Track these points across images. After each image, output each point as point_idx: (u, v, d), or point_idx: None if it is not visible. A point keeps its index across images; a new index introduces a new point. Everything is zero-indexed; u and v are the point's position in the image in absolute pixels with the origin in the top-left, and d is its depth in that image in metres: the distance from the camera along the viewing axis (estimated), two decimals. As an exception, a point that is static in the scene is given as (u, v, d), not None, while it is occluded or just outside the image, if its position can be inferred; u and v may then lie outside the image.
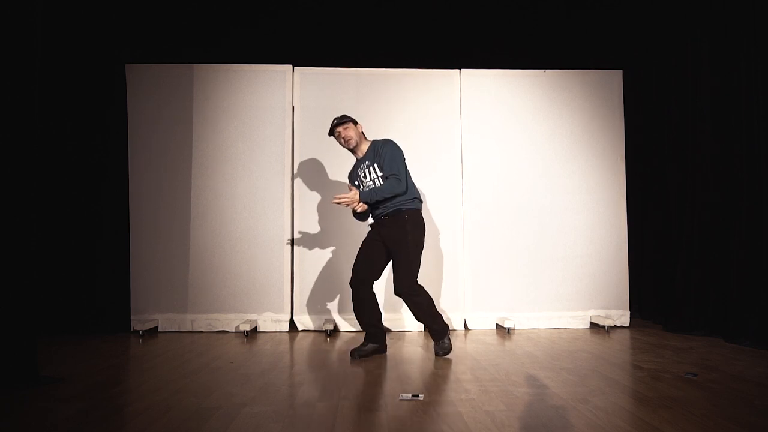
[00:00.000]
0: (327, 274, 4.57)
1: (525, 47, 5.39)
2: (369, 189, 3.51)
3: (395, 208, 3.51)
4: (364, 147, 3.63)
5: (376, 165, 3.55)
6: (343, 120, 3.59)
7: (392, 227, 3.51)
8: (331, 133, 3.63)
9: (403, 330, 4.53)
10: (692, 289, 4.33)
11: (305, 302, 4.56)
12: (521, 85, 4.78)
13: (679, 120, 4.55)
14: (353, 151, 3.65)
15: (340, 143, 3.64)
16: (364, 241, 3.66)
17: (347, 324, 4.52)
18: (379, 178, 3.52)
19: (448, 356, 3.52)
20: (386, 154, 3.52)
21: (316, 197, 4.60)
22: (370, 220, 3.68)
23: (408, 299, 3.51)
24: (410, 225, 3.51)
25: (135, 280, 4.49)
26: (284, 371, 3.17)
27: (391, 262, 3.61)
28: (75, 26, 4.41)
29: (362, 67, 4.72)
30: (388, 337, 4.13)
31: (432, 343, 3.66)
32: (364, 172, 3.59)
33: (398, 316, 4.51)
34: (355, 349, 3.57)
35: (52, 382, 2.87)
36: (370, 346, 3.57)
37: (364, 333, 3.64)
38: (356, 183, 3.64)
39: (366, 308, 3.60)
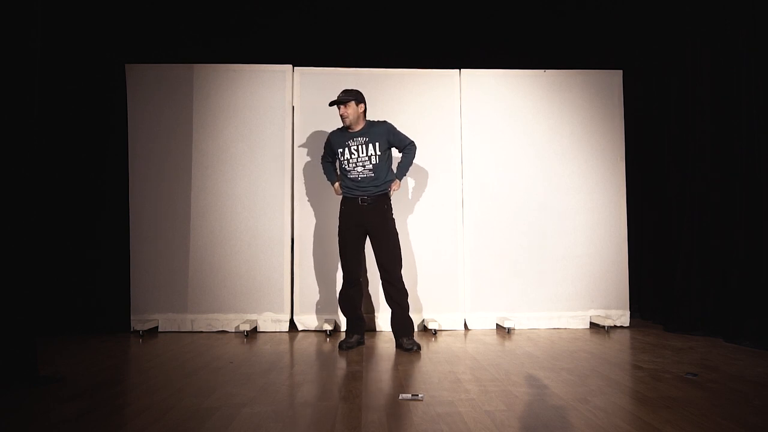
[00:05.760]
0: (327, 274, 4.57)
1: (525, 47, 5.39)
2: (401, 168, 3.87)
3: (381, 193, 3.78)
4: (360, 125, 3.82)
5: (378, 144, 3.76)
6: (345, 99, 3.76)
7: (377, 214, 3.77)
8: (333, 103, 3.81)
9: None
10: (692, 289, 4.32)
11: (305, 302, 4.56)
12: (521, 85, 4.78)
13: (679, 120, 4.55)
14: (346, 127, 3.84)
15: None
16: (345, 236, 3.84)
17: (347, 324, 4.51)
18: (377, 156, 3.75)
19: (446, 356, 3.52)
20: (395, 132, 3.84)
21: (316, 197, 4.60)
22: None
23: (397, 283, 3.78)
24: (390, 211, 3.85)
25: (135, 280, 4.49)
26: (284, 371, 3.17)
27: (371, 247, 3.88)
28: (75, 26, 4.41)
29: (362, 67, 4.72)
30: (385, 336, 4.26)
31: (419, 342, 3.85)
32: (359, 147, 3.77)
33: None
34: (342, 341, 3.86)
35: (52, 381, 2.87)
36: (356, 337, 3.89)
37: (347, 324, 3.94)
38: (341, 150, 3.81)
39: (355, 302, 3.94)
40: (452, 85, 4.73)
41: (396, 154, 3.98)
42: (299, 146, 4.64)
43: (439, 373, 3.08)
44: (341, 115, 3.78)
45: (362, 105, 3.79)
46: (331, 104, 3.80)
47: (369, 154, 3.76)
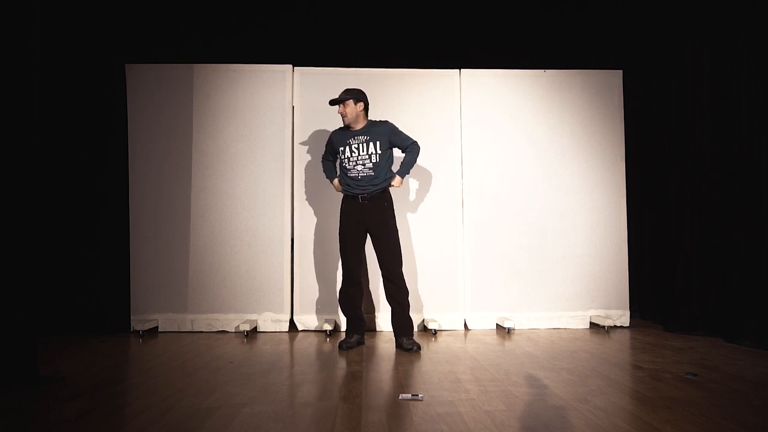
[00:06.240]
0: (327, 274, 4.57)
1: (525, 47, 5.38)
2: (404, 166, 3.85)
3: (379, 189, 3.77)
4: (361, 124, 3.83)
5: (378, 143, 3.76)
6: (343, 98, 3.77)
7: (378, 212, 3.78)
8: (332, 102, 3.82)
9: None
10: (692, 288, 4.32)
11: (305, 302, 4.56)
12: (521, 85, 4.78)
13: (679, 120, 4.55)
14: (347, 125, 3.84)
15: None
16: (346, 235, 3.85)
17: (347, 324, 4.51)
18: (377, 155, 3.75)
19: (446, 356, 3.52)
20: (397, 132, 3.84)
21: (316, 197, 4.60)
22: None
23: (398, 281, 3.78)
24: (391, 209, 3.84)
25: (135, 280, 4.49)
26: (284, 371, 3.17)
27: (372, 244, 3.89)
28: (75, 26, 4.41)
29: (362, 67, 4.72)
30: (385, 336, 4.26)
31: (419, 341, 3.86)
32: (359, 146, 3.78)
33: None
34: (342, 341, 3.86)
35: (52, 381, 2.87)
36: (356, 337, 3.89)
37: (347, 324, 3.94)
38: (342, 149, 3.81)
39: (355, 302, 3.93)
40: (452, 85, 4.73)
41: (398, 153, 3.98)
42: (299, 146, 4.64)
43: (439, 373, 3.08)
44: (340, 114, 3.79)
45: (362, 104, 3.78)
46: (331, 103, 3.81)
47: (369, 153, 3.76)
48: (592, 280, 4.68)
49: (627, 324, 4.65)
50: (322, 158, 4.08)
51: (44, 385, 2.80)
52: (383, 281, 3.85)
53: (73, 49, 4.41)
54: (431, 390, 2.71)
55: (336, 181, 3.94)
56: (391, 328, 3.97)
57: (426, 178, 4.65)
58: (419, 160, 4.46)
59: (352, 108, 3.76)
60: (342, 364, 3.38)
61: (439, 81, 4.73)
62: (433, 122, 4.68)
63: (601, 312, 4.66)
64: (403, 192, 4.56)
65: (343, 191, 3.88)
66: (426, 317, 4.55)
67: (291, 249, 4.59)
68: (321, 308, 4.56)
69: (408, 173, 3.92)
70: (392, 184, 3.82)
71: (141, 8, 4.81)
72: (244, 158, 4.60)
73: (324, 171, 4.09)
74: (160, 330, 4.49)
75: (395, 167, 3.94)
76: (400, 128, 3.89)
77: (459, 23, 5.40)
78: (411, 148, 3.87)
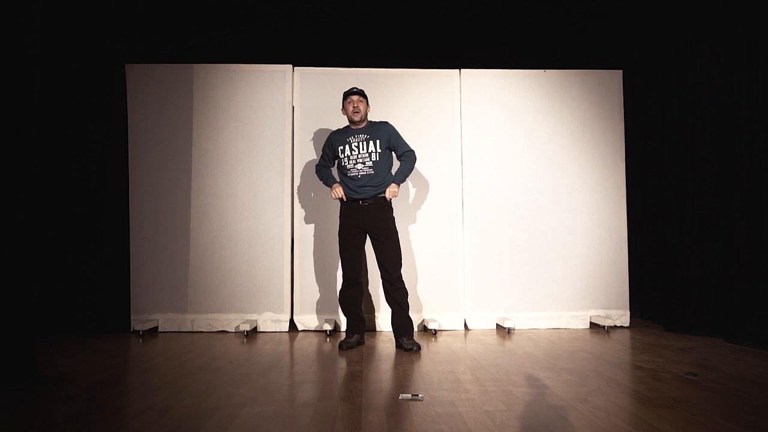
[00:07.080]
0: (327, 274, 4.57)
1: (525, 47, 5.39)
2: (399, 173, 3.83)
3: (378, 194, 3.77)
4: (363, 124, 3.87)
5: (378, 142, 3.78)
6: (363, 93, 3.84)
7: (378, 214, 3.76)
8: (347, 95, 3.81)
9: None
10: (692, 289, 4.32)
11: (305, 302, 4.56)
12: (521, 85, 4.78)
13: (679, 120, 4.55)
14: (354, 121, 3.83)
15: (346, 108, 3.83)
16: (345, 236, 3.84)
17: (347, 324, 4.51)
18: (377, 154, 3.77)
19: (446, 356, 3.52)
20: (396, 135, 3.87)
21: (316, 197, 4.60)
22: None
23: (397, 283, 3.79)
24: (391, 211, 3.84)
25: (135, 280, 4.49)
26: (284, 371, 3.17)
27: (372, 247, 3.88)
28: (75, 26, 4.41)
29: (362, 67, 4.72)
30: (385, 336, 4.26)
31: (419, 342, 3.89)
32: (360, 144, 3.80)
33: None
34: (342, 341, 3.86)
35: (52, 381, 2.87)
36: (356, 337, 3.89)
37: (347, 324, 3.93)
38: (342, 147, 3.83)
39: (356, 302, 3.92)
40: (452, 85, 4.73)
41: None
42: (299, 146, 4.64)
43: (439, 373, 3.08)
44: (355, 108, 3.76)
45: (369, 107, 3.88)
46: (348, 93, 3.79)
47: (370, 151, 3.77)
48: (592, 280, 4.68)
49: (627, 324, 4.65)
50: (318, 167, 3.98)
51: (44, 385, 2.80)
52: (382, 282, 3.85)
53: (73, 49, 4.41)
54: (431, 390, 2.71)
55: (337, 186, 3.80)
56: (391, 329, 3.97)
57: (426, 179, 4.65)
58: (419, 159, 4.46)
59: (365, 107, 3.83)
60: (342, 364, 3.38)
61: (439, 81, 4.73)
62: (433, 122, 4.68)
63: (601, 312, 4.66)
64: (403, 192, 4.57)
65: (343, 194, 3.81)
66: (426, 317, 4.55)
67: (291, 249, 4.59)
68: (321, 308, 4.56)
69: (403, 182, 3.88)
70: (389, 194, 3.74)
71: (141, 8, 4.81)
72: (244, 158, 4.60)
73: (321, 179, 3.96)
74: (160, 330, 4.49)
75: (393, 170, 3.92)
76: (399, 132, 3.90)
77: (459, 23, 5.41)
78: (407, 157, 3.85)
